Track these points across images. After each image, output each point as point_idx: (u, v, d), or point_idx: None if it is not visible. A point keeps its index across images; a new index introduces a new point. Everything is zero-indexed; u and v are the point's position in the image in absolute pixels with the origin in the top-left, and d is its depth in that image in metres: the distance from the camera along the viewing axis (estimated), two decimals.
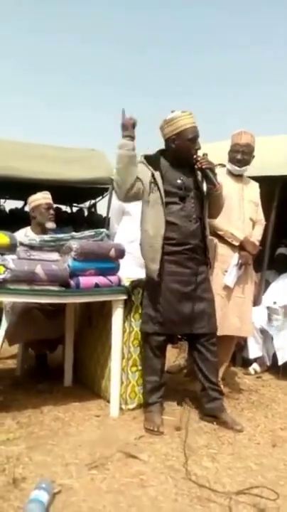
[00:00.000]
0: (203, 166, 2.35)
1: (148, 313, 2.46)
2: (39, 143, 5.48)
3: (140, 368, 2.62)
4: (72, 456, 2.00)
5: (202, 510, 1.69)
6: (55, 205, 3.41)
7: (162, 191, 2.35)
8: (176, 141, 2.37)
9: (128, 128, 2.35)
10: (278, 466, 2.05)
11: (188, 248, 2.40)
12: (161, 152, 2.48)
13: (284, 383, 3.28)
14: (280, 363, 3.40)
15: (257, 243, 2.90)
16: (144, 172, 2.39)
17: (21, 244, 2.50)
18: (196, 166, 2.39)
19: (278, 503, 1.75)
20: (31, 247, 2.50)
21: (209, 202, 2.49)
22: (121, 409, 2.52)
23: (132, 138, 2.36)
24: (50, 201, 3.16)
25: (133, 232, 3.30)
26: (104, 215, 6.03)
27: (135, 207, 3.36)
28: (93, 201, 8.10)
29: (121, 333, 2.55)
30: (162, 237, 2.34)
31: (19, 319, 2.70)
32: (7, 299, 2.53)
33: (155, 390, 2.45)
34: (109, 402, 2.54)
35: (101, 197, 7.19)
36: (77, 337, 3.00)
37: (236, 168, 2.88)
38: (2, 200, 8.49)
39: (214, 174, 2.39)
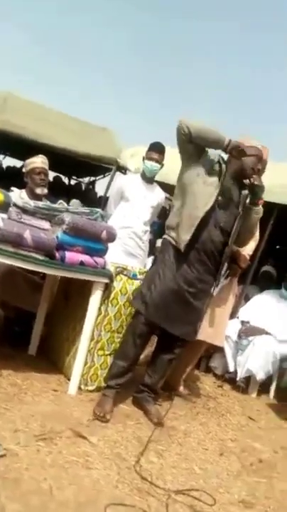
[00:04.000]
0: (255, 182, 2.36)
1: (142, 289, 2.46)
2: (56, 109, 5.40)
3: (107, 352, 2.62)
4: (23, 424, 1.99)
5: (140, 501, 1.70)
6: (55, 174, 3.37)
7: (221, 178, 2.37)
8: (239, 157, 2.35)
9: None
10: (221, 474, 2.09)
11: (205, 251, 2.39)
12: (219, 163, 2.46)
13: (243, 396, 3.32)
14: (237, 378, 3.45)
15: (248, 257, 2.92)
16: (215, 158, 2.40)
17: (15, 205, 2.45)
18: (248, 181, 2.39)
19: (213, 509, 1.78)
20: (24, 211, 2.45)
21: (242, 225, 2.46)
22: (79, 388, 2.52)
23: None
24: (45, 166, 3.11)
25: (128, 218, 3.28)
26: (100, 194, 6.01)
27: (134, 194, 3.34)
28: (93, 178, 8.04)
29: (96, 315, 2.54)
30: (204, 212, 2.31)
31: (1, 278, 2.66)
32: None
33: (119, 375, 2.45)
34: (69, 379, 2.53)
35: (102, 176, 7.14)
36: (51, 310, 2.98)
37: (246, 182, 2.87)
38: (1, 156, 8.32)
39: (262, 192, 2.40)
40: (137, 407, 2.52)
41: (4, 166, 8.38)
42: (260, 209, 2.45)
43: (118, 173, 5.46)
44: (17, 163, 8.16)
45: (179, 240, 2.36)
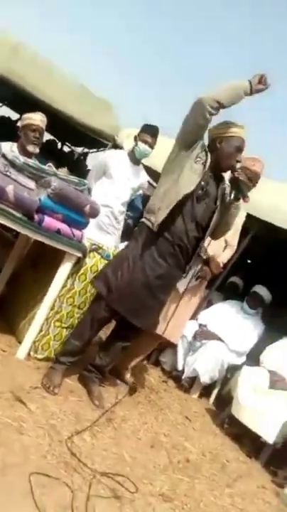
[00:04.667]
0: (240, 177, 2.34)
1: (107, 272, 2.41)
2: (64, 70, 5.22)
3: (64, 325, 2.59)
4: None
5: (65, 476, 1.71)
6: (50, 136, 3.29)
7: (206, 166, 2.29)
8: (222, 143, 2.32)
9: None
10: (148, 465, 2.13)
11: (178, 244, 2.35)
12: (204, 149, 2.37)
13: (184, 396, 3.39)
14: (183, 376, 3.51)
15: (221, 265, 2.96)
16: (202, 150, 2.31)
17: (3, 156, 2.38)
18: (231, 175, 2.36)
19: (134, 497, 1.81)
20: (12, 165, 2.37)
21: (219, 220, 2.44)
22: (28, 354, 2.49)
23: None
24: (42, 125, 3.03)
25: (109, 197, 3.23)
26: (90, 167, 5.90)
27: (118, 173, 3.26)
28: (86, 150, 7.89)
29: (61, 286, 2.51)
30: (182, 196, 2.25)
31: None
32: None
33: (71, 353, 2.44)
34: (20, 343, 2.50)
35: (96, 150, 7.03)
36: (17, 271, 2.92)
37: None
38: None
39: (247, 189, 2.38)
40: (82, 385, 2.52)
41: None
42: (240, 204, 2.42)
43: (112, 153, 5.37)
44: (13, 115, 7.88)
45: (155, 223, 2.31)
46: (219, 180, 2.42)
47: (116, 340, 2.57)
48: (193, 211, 2.33)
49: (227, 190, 2.44)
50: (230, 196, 2.41)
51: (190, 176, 2.28)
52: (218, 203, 2.40)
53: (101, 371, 2.57)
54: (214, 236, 2.59)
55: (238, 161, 2.36)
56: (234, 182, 2.38)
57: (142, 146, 3.14)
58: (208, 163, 2.31)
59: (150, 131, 3.14)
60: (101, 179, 3.29)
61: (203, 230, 2.41)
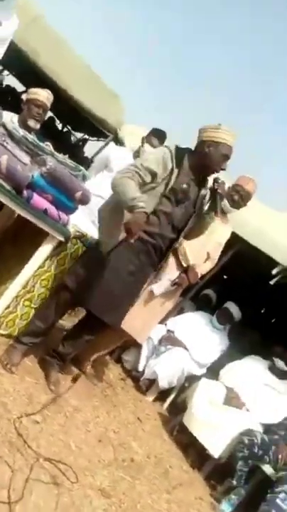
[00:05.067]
0: (219, 190, 2.34)
1: (79, 268, 2.40)
2: (77, 52, 5.17)
3: (33, 306, 2.56)
4: None
5: (7, 454, 1.69)
6: (52, 115, 3.27)
7: (168, 187, 2.29)
8: (211, 147, 2.30)
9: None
10: (93, 459, 2.12)
11: (152, 244, 2.35)
12: (188, 151, 2.40)
13: (140, 397, 3.38)
14: (142, 378, 3.51)
15: (199, 276, 2.97)
16: (166, 164, 2.29)
17: (3, 125, 2.34)
18: (211, 186, 2.37)
19: (73, 487, 1.80)
20: (10, 136, 2.34)
21: (194, 224, 2.45)
22: None
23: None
24: (47, 103, 3.00)
25: (103, 189, 3.22)
26: (87, 155, 5.86)
27: (119, 167, 3.26)
28: (86, 137, 7.84)
29: (38, 266, 2.47)
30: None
31: None
32: None
33: (34, 334, 2.41)
34: None
35: (96, 139, 6.99)
36: None
37: (228, 205, 2.93)
38: (6, 72, 7.82)
39: (221, 201, 2.39)
40: (41, 368, 2.49)
41: (5, 83, 7.93)
42: (213, 215, 2.42)
43: (112, 143, 5.36)
44: (18, 86, 7.77)
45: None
46: (201, 183, 2.42)
47: (83, 331, 2.56)
48: (171, 214, 2.35)
49: (207, 197, 2.43)
50: (207, 204, 2.43)
51: (151, 198, 2.27)
52: (196, 208, 2.41)
53: (63, 359, 2.55)
54: (187, 238, 2.59)
55: (222, 169, 2.37)
56: (212, 194, 2.38)
57: (148, 149, 3.17)
58: (172, 182, 2.28)
59: (158, 136, 3.20)
60: (101, 172, 3.29)
61: (178, 232, 2.42)
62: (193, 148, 2.41)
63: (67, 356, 2.57)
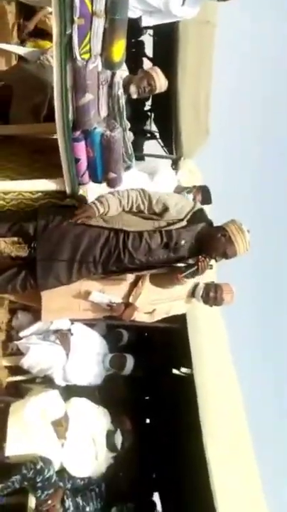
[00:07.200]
0: (199, 267, 2.37)
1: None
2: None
3: None
4: None
5: None
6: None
7: (169, 228, 2.40)
8: (223, 238, 2.36)
9: None
10: None
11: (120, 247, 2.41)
12: (207, 221, 2.48)
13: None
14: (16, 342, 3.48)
15: (131, 318, 2.91)
16: (183, 210, 2.40)
17: (113, 73, 2.33)
18: (197, 257, 2.40)
19: None
20: (110, 85, 2.33)
21: (165, 274, 2.53)
22: None
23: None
24: (158, 90, 2.96)
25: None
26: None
27: (162, 183, 3.25)
28: (156, 135, 7.81)
29: (30, 190, 2.45)
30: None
31: None
32: None
33: None
34: None
35: (161, 145, 6.97)
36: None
37: (200, 291, 2.88)
38: (151, 32, 7.65)
39: (193, 276, 2.44)
40: None
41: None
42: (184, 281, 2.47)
43: (167, 162, 5.34)
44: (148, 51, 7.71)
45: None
46: (194, 253, 2.44)
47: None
48: (154, 251, 2.41)
49: (190, 261, 2.45)
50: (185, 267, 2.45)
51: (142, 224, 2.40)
52: (178, 264, 2.45)
53: None
54: (151, 280, 2.66)
55: (215, 260, 2.43)
56: (195, 262, 2.40)
57: (189, 198, 3.27)
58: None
59: (205, 196, 3.35)
60: (142, 173, 3.30)
61: (147, 268, 2.49)
62: (212, 224, 2.48)
63: None
